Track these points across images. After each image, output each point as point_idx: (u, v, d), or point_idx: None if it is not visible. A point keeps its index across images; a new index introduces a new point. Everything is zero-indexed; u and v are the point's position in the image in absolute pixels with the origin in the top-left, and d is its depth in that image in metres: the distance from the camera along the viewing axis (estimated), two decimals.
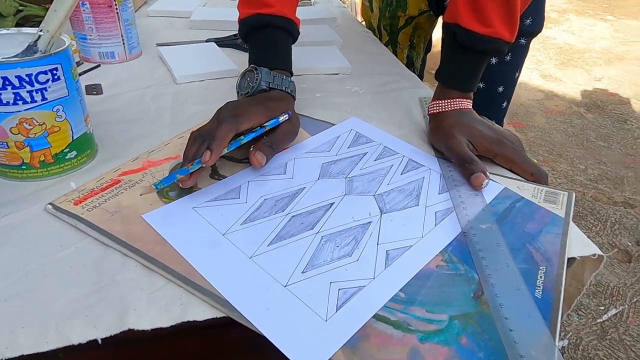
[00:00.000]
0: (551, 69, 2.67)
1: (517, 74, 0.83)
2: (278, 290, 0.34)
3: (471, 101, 0.55)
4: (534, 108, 2.26)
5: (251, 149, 0.46)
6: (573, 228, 0.42)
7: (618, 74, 2.62)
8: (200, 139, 0.44)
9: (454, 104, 0.53)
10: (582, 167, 1.84)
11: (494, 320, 0.32)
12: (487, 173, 0.46)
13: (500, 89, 0.81)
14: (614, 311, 1.24)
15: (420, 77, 0.98)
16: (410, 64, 0.96)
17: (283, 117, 0.50)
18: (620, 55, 2.84)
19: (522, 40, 0.78)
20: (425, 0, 0.85)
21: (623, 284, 1.31)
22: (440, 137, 0.52)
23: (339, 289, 0.34)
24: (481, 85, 0.80)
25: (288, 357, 0.29)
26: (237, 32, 0.88)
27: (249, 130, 0.48)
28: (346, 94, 0.68)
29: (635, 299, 1.27)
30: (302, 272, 0.35)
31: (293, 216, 0.41)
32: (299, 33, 0.60)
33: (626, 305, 1.25)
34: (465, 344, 0.31)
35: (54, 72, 0.42)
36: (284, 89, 0.54)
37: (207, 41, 0.83)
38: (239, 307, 0.32)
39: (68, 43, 0.44)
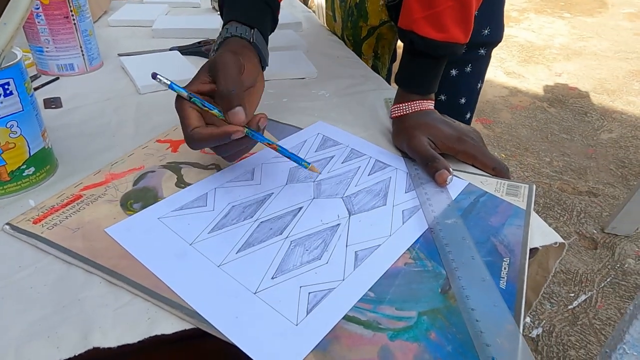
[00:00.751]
0: (514, 66, 2.75)
1: (479, 84, 0.83)
2: (247, 298, 0.34)
3: (432, 102, 0.56)
4: (499, 104, 2.33)
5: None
6: (535, 219, 0.44)
7: (577, 69, 2.72)
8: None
9: (414, 106, 0.54)
10: (547, 159, 1.90)
11: (461, 312, 0.33)
12: (451, 169, 0.47)
13: (463, 100, 0.82)
14: (583, 297, 1.28)
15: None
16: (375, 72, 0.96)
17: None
18: (577, 51, 2.96)
19: (482, 51, 0.78)
20: (386, 10, 0.86)
21: (591, 270, 1.36)
22: (402, 138, 0.53)
23: (309, 293, 0.34)
24: (443, 97, 0.80)
25: None
26: (200, 40, 0.88)
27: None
28: (312, 98, 0.69)
29: (602, 284, 1.32)
30: (272, 278, 0.35)
31: (262, 222, 0.41)
32: (278, 7, 0.56)
33: (594, 291, 1.30)
34: (434, 339, 0.31)
35: (6, 87, 0.40)
36: (239, 35, 0.49)
37: (170, 50, 0.82)
38: (208, 317, 0.32)
39: (20, 56, 0.43)
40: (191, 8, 1.11)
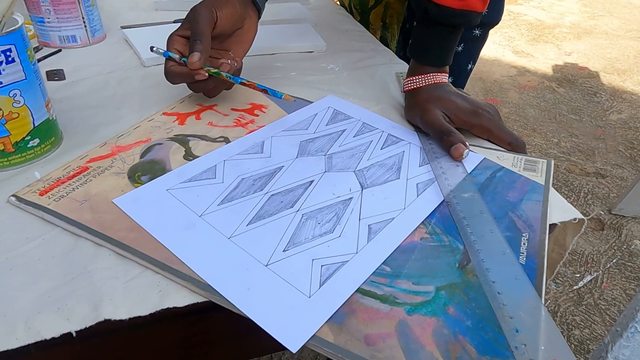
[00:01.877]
0: (523, 45, 2.70)
1: (469, 65, 0.80)
2: (259, 270, 0.33)
3: (446, 74, 0.54)
4: (507, 84, 2.28)
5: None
6: (554, 194, 0.42)
7: (587, 48, 2.67)
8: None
9: (428, 79, 0.53)
10: (555, 140, 1.88)
11: (482, 284, 0.32)
12: (467, 143, 0.46)
13: (450, 79, 0.79)
14: (589, 277, 1.28)
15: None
16: (384, 45, 0.94)
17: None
18: (588, 30, 2.90)
19: (477, 32, 0.75)
20: None
21: (597, 251, 1.36)
22: (416, 112, 0.52)
23: (322, 265, 0.33)
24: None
25: (272, 335, 0.28)
26: None
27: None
28: (321, 72, 0.67)
29: (608, 265, 1.32)
30: (284, 251, 0.34)
31: (272, 195, 0.40)
32: None
33: (600, 272, 1.30)
34: (453, 314, 0.30)
35: (7, 53, 0.39)
36: None
37: (174, 22, 0.80)
38: (220, 289, 0.31)
39: (21, 22, 0.41)
40: None
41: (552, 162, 0.46)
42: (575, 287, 1.25)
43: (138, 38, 0.72)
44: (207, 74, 0.48)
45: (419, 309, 0.31)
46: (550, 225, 0.39)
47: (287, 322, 0.29)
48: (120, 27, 0.78)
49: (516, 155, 0.47)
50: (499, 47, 2.62)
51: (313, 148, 0.47)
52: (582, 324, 1.15)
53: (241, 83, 0.49)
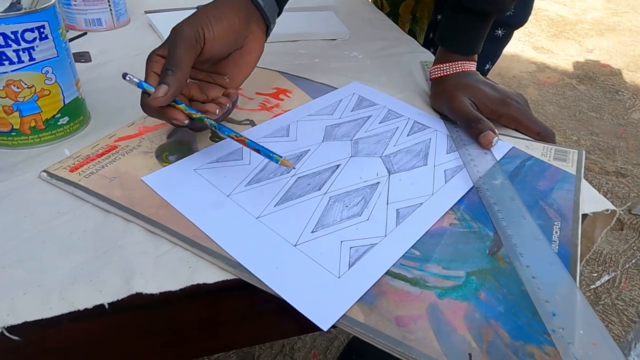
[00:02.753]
0: (543, 40, 2.65)
1: (487, 65, 0.78)
2: (288, 250, 0.33)
3: (475, 63, 0.53)
4: (526, 80, 2.25)
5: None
6: (585, 185, 0.42)
7: (610, 45, 2.61)
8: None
9: (456, 67, 0.52)
10: (574, 138, 1.85)
11: (516, 269, 0.31)
12: (496, 131, 0.45)
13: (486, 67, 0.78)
14: (606, 277, 1.26)
15: None
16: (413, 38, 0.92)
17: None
18: (611, 27, 2.83)
19: (499, 32, 0.73)
20: None
21: (616, 250, 1.34)
22: (442, 100, 0.51)
23: (351, 247, 0.33)
24: None
25: (303, 313, 0.28)
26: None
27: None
28: (345, 59, 0.66)
29: (627, 265, 1.29)
30: (312, 232, 0.34)
31: (299, 177, 0.40)
32: None
33: (618, 271, 1.27)
34: (485, 299, 0.30)
35: (41, 30, 0.39)
36: None
37: (197, 7, 0.80)
38: (249, 267, 0.31)
39: (54, 0, 0.41)
40: None
41: (584, 152, 0.45)
42: (592, 287, 1.23)
43: (162, 22, 0.72)
44: (186, 121, 0.38)
45: (449, 292, 0.30)
46: (582, 215, 0.38)
47: (317, 300, 0.29)
48: (144, 11, 0.78)
49: (546, 145, 0.46)
50: (518, 43, 2.57)
51: (339, 133, 0.47)
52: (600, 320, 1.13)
53: (229, 136, 0.38)
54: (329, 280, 0.31)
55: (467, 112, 0.47)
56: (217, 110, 0.40)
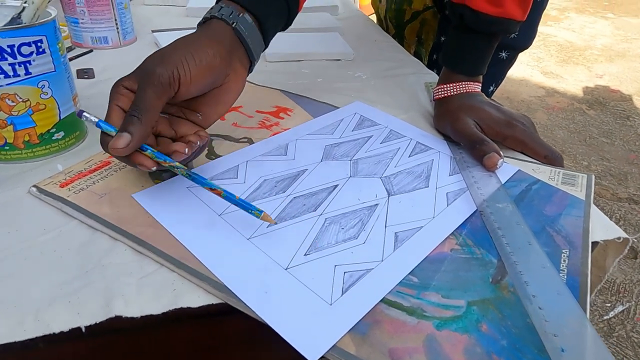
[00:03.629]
0: (552, 66, 2.65)
1: (492, 87, 0.78)
2: (278, 273, 0.31)
3: (479, 84, 0.52)
4: (535, 105, 2.24)
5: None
6: (595, 211, 0.40)
7: (619, 71, 2.60)
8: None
9: (460, 87, 0.51)
10: (585, 163, 1.82)
11: (521, 299, 0.29)
12: (501, 153, 0.43)
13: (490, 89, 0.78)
14: (620, 308, 1.21)
15: None
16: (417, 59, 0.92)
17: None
18: (621, 53, 2.83)
19: (503, 54, 0.73)
20: None
21: (629, 280, 1.29)
22: (446, 121, 0.50)
23: (345, 272, 0.31)
24: None
25: (290, 342, 0.26)
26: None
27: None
28: (348, 79, 0.66)
29: None
30: (305, 255, 0.33)
31: (294, 197, 0.39)
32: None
33: (633, 302, 1.22)
34: (486, 331, 0.28)
35: (39, 44, 0.39)
36: (220, 16, 0.39)
37: None
38: (236, 291, 0.29)
39: (54, 15, 0.41)
40: None
41: (593, 177, 0.43)
42: (605, 317, 1.18)
43: (167, 41, 0.72)
44: (154, 167, 0.34)
45: (449, 324, 0.28)
46: (592, 243, 0.36)
47: (306, 329, 0.27)
48: (152, 30, 0.79)
49: (553, 169, 0.45)
50: (527, 68, 2.58)
51: (338, 153, 0.46)
52: (613, 356, 1.08)
53: (207, 188, 0.35)
54: (320, 307, 0.29)
55: (471, 133, 0.46)
56: (187, 150, 0.35)
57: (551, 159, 0.46)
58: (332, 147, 0.46)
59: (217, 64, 0.37)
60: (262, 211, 0.33)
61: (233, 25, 0.39)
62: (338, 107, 0.55)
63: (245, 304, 0.29)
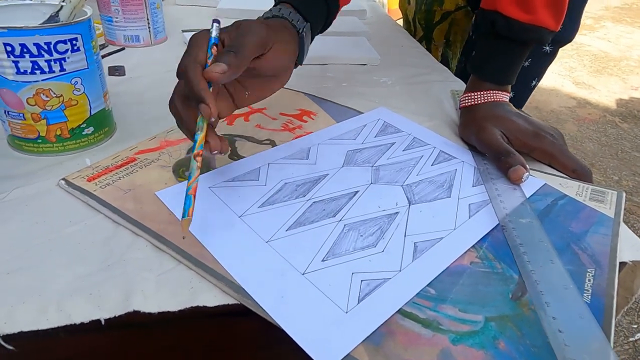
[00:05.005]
0: (584, 76, 2.57)
1: (534, 81, 0.77)
2: (295, 278, 0.31)
3: (508, 94, 0.51)
4: (565, 115, 2.18)
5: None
6: (624, 230, 0.38)
7: None
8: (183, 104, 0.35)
9: (487, 96, 0.50)
10: (615, 178, 1.76)
11: (540, 319, 0.28)
12: (527, 166, 0.42)
13: (512, 94, 0.76)
14: None
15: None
16: (445, 63, 0.91)
17: (213, 30, 0.37)
18: None
19: (547, 48, 0.72)
20: None
21: None
22: (471, 130, 0.49)
23: (362, 280, 0.31)
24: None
25: (304, 348, 0.26)
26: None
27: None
28: (373, 84, 0.65)
29: None
30: (322, 261, 0.33)
31: (314, 202, 0.39)
32: (336, 11, 0.50)
33: None
34: (504, 349, 0.27)
35: (74, 42, 0.40)
36: (280, 15, 0.43)
37: None
38: (252, 293, 0.29)
39: (90, 14, 0.42)
40: None
41: (624, 194, 0.42)
42: (631, 339, 1.14)
43: None
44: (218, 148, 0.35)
45: (465, 338, 0.28)
46: (620, 263, 0.35)
47: (321, 336, 0.27)
48: (182, 30, 0.80)
49: (582, 184, 0.43)
50: (558, 77, 2.51)
51: (360, 158, 0.45)
52: None
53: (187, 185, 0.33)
54: (335, 314, 0.29)
55: (497, 144, 0.45)
56: (216, 152, 0.35)
57: (580, 173, 0.45)
58: (354, 153, 0.46)
59: (290, 53, 0.41)
60: (186, 216, 0.31)
61: (299, 32, 0.43)
62: (362, 113, 0.55)
63: (261, 307, 0.29)
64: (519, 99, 0.77)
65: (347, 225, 0.36)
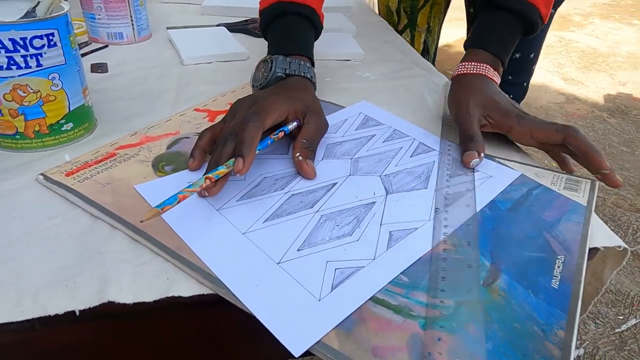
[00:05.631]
0: (573, 72, 2.59)
1: (532, 55, 0.85)
2: (270, 267, 0.31)
3: (498, 75, 0.52)
4: (554, 111, 2.20)
5: (297, 155, 0.41)
6: (595, 219, 0.39)
7: None
8: (225, 140, 0.39)
9: (480, 68, 0.51)
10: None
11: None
12: (482, 155, 0.43)
13: (532, 55, 0.85)
14: (634, 321, 1.18)
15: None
16: (425, 51, 0.95)
17: (292, 126, 0.44)
18: None
19: (552, 11, 0.78)
20: None
21: None
22: (455, 101, 0.49)
23: (336, 269, 0.32)
24: (517, 55, 0.83)
25: (275, 335, 0.27)
26: (247, 18, 0.87)
27: (272, 126, 0.42)
28: (357, 80, 0.66)
29: None
30: (298, 250, 0.33)
31: (292, 195, 0.39)
32: (321, 27, 0.57)
33: None
34: (473, 332, 0.28)
35: (50, 37, 0.40)
36: (302, 74, 0.50)
37: (217, 26, 0.82)
38: (227, 283, 0.30)
39: (67, 9, 0.42)
40: None
41: (597, 182, 0.43)
42: (617, 330, 1.15)
43: (181, 38, 0.74)
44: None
45: (435, 323, 0.28)
46: (591, 249, 0.36)
47: (293, 324, 0.28)
48: (166, 27, 0.80)
49: (556, 173, 0.44)
50: (547, 73, 2.53)
51: (340, 151, 0.46)
52: None
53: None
54: (308, 302, 0.29)
55: (466, 126, 0.46)
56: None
57: (563, 131, 0.43)
58: (334, 146, 0.47)
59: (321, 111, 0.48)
60: (160, 207, 0.32)
61: (311, 79, 0.52)
62: (344, 107, 0.55)
63: (235, 295, 0.29)
64: (536, 56, 0.85)
65: (324, 215, 0.37)
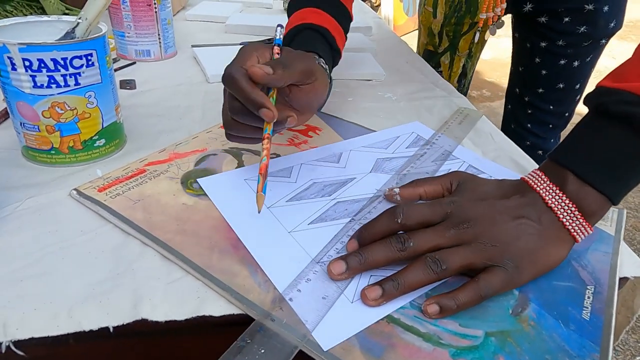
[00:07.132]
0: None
1: (592, 70, 0.86)
2: (310, 267, 0.34)
3: (594, 220, 0.34)
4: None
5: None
6: (624, 248, 0.39)
7: None
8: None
9: (555, 195, 0.34)
10: None
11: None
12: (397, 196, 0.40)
13: (577, 86, 0.85)
14: None
15: (465, 94, 0.98)
16: (463, 75, 0.96)
17: (279, 32, 0.41)
18: None
19: (604, 41, 0.81)
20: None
21: None
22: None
23: (371, 275, 0.33)
24: (561, 85, 0.84)
25: (308, 328, 0.29)
26: (270, 37, 0.89)
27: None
28: (378, 100, 0.67)
29: None
30: (337, 253, 0.35)
31: (338, 202, 0.41)
32: (339, 55, 0.53)
33: None
34: None
35: (89, 57, 0.42)
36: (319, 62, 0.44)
37: (240, 44, 0.83)
38: (269, 274, 0.33)
39: (105, 30, 0.44)
40: (264, 8, 1.14)
41: (625, 212, 0.42)
42: (638, 358, 1.12)
43: (206, 56, 0.76)
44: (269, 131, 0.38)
45: (465, 353, 0.28)
46: (621, 279, 0.35)
47: (326, 322, 0.29)
48: (191, 45, 0.82)
49: None
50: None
51: (388, 166, 0.47)
52: None
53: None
54: (341, 302, 0.31)
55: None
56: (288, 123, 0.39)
57: None
58: (383, 161, 0.48)
59: (323, 94, 0.44)
60: (261, 193, 0.35)
61: (330, 80, 0.48)
62: (367, 128, 0.56)
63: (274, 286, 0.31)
64: (582, 88, 0.84)
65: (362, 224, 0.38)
